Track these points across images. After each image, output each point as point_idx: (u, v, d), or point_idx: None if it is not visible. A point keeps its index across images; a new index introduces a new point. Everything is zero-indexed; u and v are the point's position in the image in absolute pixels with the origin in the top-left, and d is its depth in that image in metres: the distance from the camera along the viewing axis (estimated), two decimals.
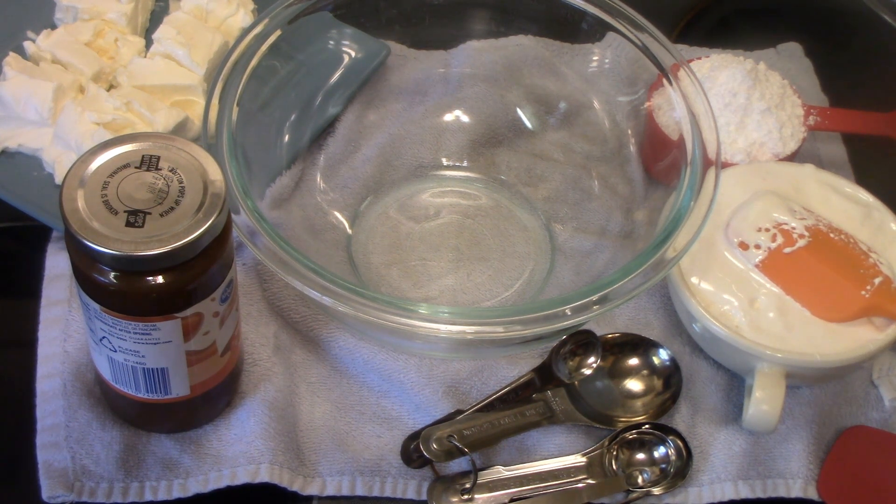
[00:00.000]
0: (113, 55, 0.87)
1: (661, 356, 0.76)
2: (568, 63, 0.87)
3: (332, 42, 0.87)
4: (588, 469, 0.71)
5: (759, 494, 0.72)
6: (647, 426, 0.73)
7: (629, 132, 0.84)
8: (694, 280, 0.74)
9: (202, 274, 0.61)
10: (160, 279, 0.60)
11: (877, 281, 0.72)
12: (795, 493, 0.72)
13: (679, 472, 0.72)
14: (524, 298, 0.80)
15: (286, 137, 0.82)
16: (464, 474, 0.70)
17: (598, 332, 0.74)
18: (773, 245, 0.74)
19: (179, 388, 0.67)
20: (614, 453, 0.72)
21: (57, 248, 0.79)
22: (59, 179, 0.80)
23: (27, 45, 0.86)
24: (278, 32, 0.78)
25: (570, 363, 0.73)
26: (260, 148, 0.78)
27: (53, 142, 0.81)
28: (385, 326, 0.68)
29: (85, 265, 0.60)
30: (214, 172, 0.62)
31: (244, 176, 0.71)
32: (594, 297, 0.68)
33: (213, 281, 0.63)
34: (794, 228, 0.75)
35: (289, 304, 0.77)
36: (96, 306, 0.62)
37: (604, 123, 0.85)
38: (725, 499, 0.72)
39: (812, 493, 0.72)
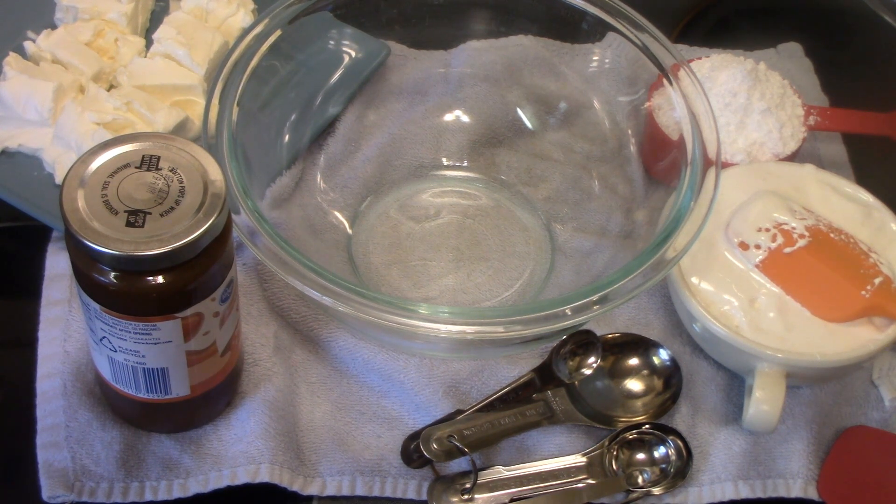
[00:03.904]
0: (113, 55, 0.87)
1: (661, 356, 0.76)
2: (568, 63, 0.87)
3: (332, 42, 0.87)
4: (588, 469, 0.71)
5: (759, 494, 0.72)
6: (647, 426, 0.73)
7: (629, 132, 0.84)
8: (694, 280, 0.74)
9: (202, 274, 0.61)
10: (160, 279, 0.60)
11: (877, 281, 0.72)
12: (795, 493, 0.72)
13: (679, 472, 0.72)
14: (524, 298, 0.80)
15: (286, 137, 0.82)
16: (464, 474, 0.70)
17: (598, 332, 0.74)
18: (774, 245, 0.74)
19: (179, 388, 0.67)
20: (614, 453, 0.72)
21: (57, 248, 0.79)
22: (59, 179, 0.80)
23: (27, 45, 0.86)
24: (278, 32, 0.78)
25: (570, 363, 0.73)
26: (260, 148, 0.78)
27: (53, 142, 0.81)
28: (385, 326, 0.68)
29: (85, 265, 0.60)
30: (214, 172, 0.62)
31: (244, 176, 0.71)
32: (594, 297, 0.68)
33: (213, 281, 0.63)
34: (794, 228, 0.75)
35: (289, 304, 0.77)
36: (96, 306, 0.62)
37: (604, 123, 0.85)
38: (725, 499, 0.72)
39: (812, 493, 0.72)
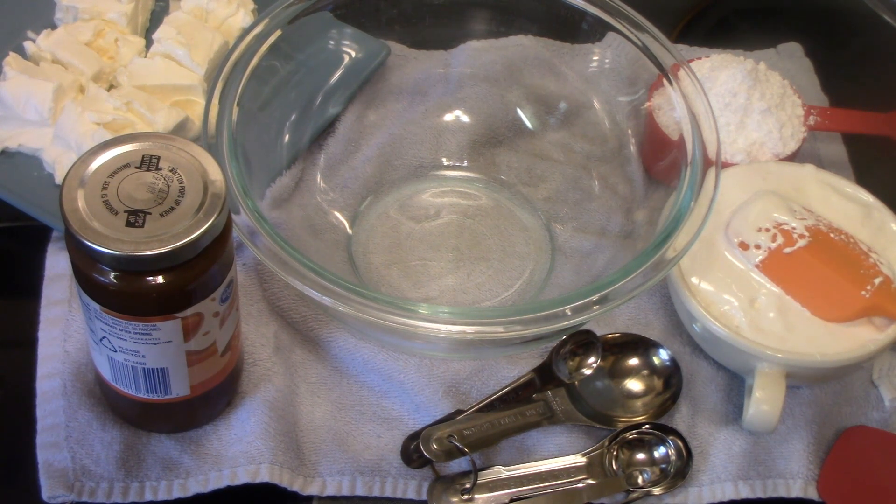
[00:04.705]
0: (113, 55, 0.87)
1: (661, 356, 0.76)
2: (568, 63, 0.87)
3: (332, 42, 0.87)
4: (588, 469, 0.71)
5: (759, 494, 0.72)
6: (647, 426, 0.73)
7: (629, 132, 0.84)
8: (694, 280, 0.74)
9: (202, 274, 0.61)
10: (160, 279, 0.60)
11: (877, 281, 0.72)
12: (795, 493, 0.72)
13: (679, 472, 0.72)
14: (524, 298, 0.80)
15: (286, 137, 0.82)
16: (464, 474, 0.70)
17: (598, 332, 0.74)
18: (774, 245, 0.74)
19: (179, 388, 0.67)
20: (614, 453, 0.72)
21: (57, 248, 0.79)
22: (59, 179, 0.80)
23: (27, 45, 0.86)
24: (278, 32, 0.78)
25: (570, 363, 0.73)
26: (260, 148, 0.78)
27: (53, 142, 0.81)
28: (385, 326, 0.68)
29: (85, 265, 0.60)
30: (214, 172, 0.62)
31: (244, 176, 0.71)
32: (594, 297, 0.68)
33: (213, 281, 0.63)
34: (794, 228, 0.75)
35: (289, 304, 0.77)
36: (96, 306, 0.62)
37: (604, 123, 0.85)
38: (725, 499, 0.72)
39: (812, 493, 0.72)
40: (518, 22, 0.87)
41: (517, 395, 0.73)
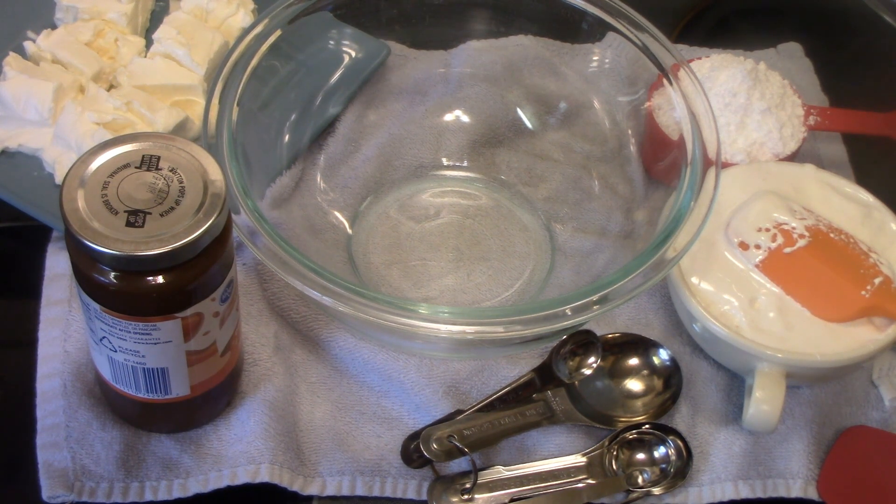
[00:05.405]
0: (113, 55, 0.87)
1: (661, 356, 0.76)
2: (568, 63, 0.87)
3: (332, 42, 0.87)
4: (588, 469, 0.71)
5: (759, 494, 0.72)
6: (647, 426, 0.73)
7: (629, 132, 0.84)
8: (694, 280, 0.74)
9: (202, 274, 0.61)
10: (160, 279, 0.60)
11: (877, 281, 0.73)
12: (795, 493, 0.72)
13: (679, 472, 0.72)
14: (524, 298, 0.80)
15: (286, 137, 0.82)
16: (464, 474, 0.70)
17: (598, 332, 0.74)
18: (774, 245, 0.74)
19: (179, 388, 0.67)
20: (614, 453, 0.72)
21: (57, 248, 0.79)
22: (59, 179, 0.80)
23: (27, 45, 0.86)
24: (278, 32, 0.78)
25: (570, 363, 0.73)
26: (260, 148, 0.78)
27: (53, 142, 0.81)
28: (385, 326, 0.68)
29: (85, 265, 0.60)
30: (214, 172, 0.62)
31: (244, 176, 0.71)
32: (594, 297, 0.68)
33: (213, 281, 0.63)
34: (794, 228, 0.75)
35: (289, 304, 0.77)
36: (96, 306, 0.62)
37: (604, 123, 0.85)
38: (725, 499, 0.72)
39: (812, 493, 0.72)
40: (518, 22, 0.87)
41: (517, 395, 0.73)
